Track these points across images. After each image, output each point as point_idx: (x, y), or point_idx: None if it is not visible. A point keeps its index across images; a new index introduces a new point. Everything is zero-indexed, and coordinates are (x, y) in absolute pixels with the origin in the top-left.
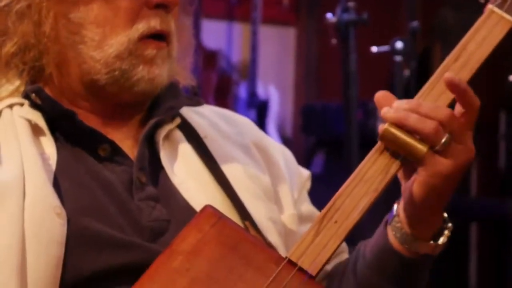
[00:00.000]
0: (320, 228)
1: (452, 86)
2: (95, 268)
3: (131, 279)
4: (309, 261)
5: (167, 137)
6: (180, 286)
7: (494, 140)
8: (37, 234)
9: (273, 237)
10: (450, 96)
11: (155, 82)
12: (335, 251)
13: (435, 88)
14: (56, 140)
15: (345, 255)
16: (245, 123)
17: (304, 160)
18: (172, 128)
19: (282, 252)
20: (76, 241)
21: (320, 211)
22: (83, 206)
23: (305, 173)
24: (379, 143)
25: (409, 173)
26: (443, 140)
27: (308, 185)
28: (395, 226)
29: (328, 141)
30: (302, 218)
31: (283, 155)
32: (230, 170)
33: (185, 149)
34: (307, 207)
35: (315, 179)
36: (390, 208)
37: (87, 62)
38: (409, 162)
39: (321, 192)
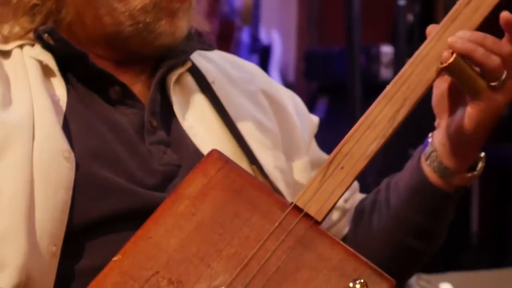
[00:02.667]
0: (327, 174)
1: (508, 25)
2: (101, 213)
3: (137, 224)
4: (315, 207)
5: (178, 81)
6: (185, 231)
7: None
8: (45, 178)
9: (280, 184)
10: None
11: (176, 35)
12: (341, 197)
13: (447, 31)
14: (66, 82)
15: (357, 195)
16: (253, 70)
17: (306, 105)
18: (183, 72)
19: (289, 200)
20: (84, 186)
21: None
22: (92, 150)
23: (315, 119)
24: (386, 90)
25: (454, 109)
26: (502, 77)
27: (315, 131)
28: (433, 160)
29: (330, 86)
30: (314, 164)
31: (293, 102)
32: (238, 117)
33: (195, 94)
34: (318, 153)
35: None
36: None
37: (111, 14)
38: (455, 95)
39: (323, 138)
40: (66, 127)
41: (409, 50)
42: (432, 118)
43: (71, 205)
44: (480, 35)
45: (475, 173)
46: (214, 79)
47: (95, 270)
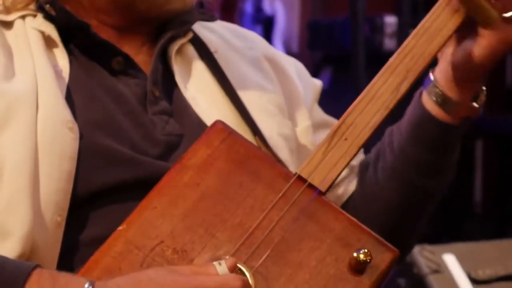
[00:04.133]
0: (331, 145)
1: None
2: (106, 183)
3: (141, 193)
4: (319, 178)
5: (180, 51)
6: (189, 201)
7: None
8: (49, 148)
9: (283, 153)
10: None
11: (187, 1)
12: (345, 168)
13: (451, 3)
14: (69, 53)
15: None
16: (255, 37)
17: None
18: (185, 42)
19: (293, 169)
20: (87, 156)
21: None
22: (95, 121)
23: (318, 83)
24: (390, 61)
25: (461, 40)
26: None
27: (318, 95)
28: (435, 92)
29: (334, 56)
30: (317, 126)
31: (295, 67)
32: (240, 86)
33: (197, 64)
34: (321, 115)
35: (321, 94)
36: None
37: None
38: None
39: (327, 108)
40: (69, 98)
41: (413, 21)
42: None
43: (75, 175)
44: None
45: (478, 103)
46: (216, 48)
47: (100, 240)
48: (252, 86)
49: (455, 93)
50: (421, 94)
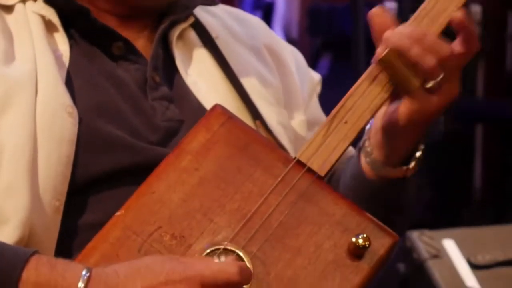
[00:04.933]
0: (330, 129)
1: (461, 25)
2: (105, 168)
3: (140, 179)
4: (318, 162)
5: (181, 36)
6: (188, 186)
7: (501, 41)
8: (48, 132)
9: (283, 140)
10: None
11: None
12: (344, 152)
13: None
14: (69, 37)
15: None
16: (257, 24)
17: (310, 62)
18: (186, 27)
19: (292, 156)
20: (87, 141)
21: (327, 114)
22: (95, 106)
23: (316, 77)
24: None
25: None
26: (438, 79)
27: (318, 89)
28: (366, 151)
29: (334, 42)
30: (310, 124)
31: (295, 59)
32: (241, 72)
33: (198, 49)
34: (317, 113)
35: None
36: None
37: None
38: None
39: (327, 94)
40: (69, 83)
41: (413, 6)
42: None
43: (74, 160)
44: (420, 32)
45: (410, 167)
46: (217, 34)
47: (98, 225)
48: (253, 74)
49: (380, 154)
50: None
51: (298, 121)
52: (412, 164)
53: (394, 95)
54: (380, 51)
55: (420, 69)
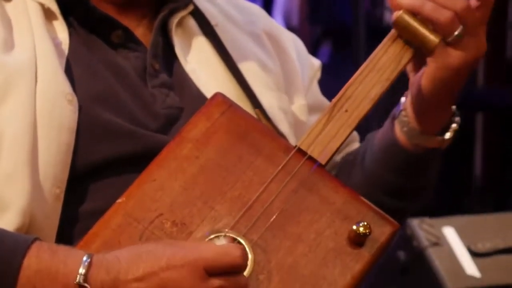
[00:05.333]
0: (331, 117)
1: None
2: (105, 156)
3: (140, 166)
4: (319, 150)
5: (180, 24)
6: (189, 174)
7: (502, 29)
8: (48, 120)
9: (283, 126)
10: None
11: None
12: (345, 140)
13: None
14: (69, 25)
15: (355, 145)
16: (256, 11)
17: (310, 50)
18: (185, 15)
19: (293, 142)
20: (87, 129)
21: (328, 101)
22: (95, 94)
23: (316, 63)
24: (392, 31)
25: (418, 66)
26: (456, 32)
27: (318, 75)
28: (402, 120)
29: (334, 30)
30: (312, 108)
31: (295, 45)
32: (241, 59)
33: (198, 37)
34: (317, 97)
35: (321, 69)
36: (396, 101)
37: None
38: (421, 53)
39: (327, 82)
40: (68, 71)
41: None
42: None
43: (74, 147)
44: None
45: (446, 137)
46: (217, 21)
47: (99, 213)
48: (252, 60)
49: (417, 123)
50: (395, 115)
51: (298, 106)
52: (448, 135)
53: (418, 63)
54: (395, 15)
55: (436, 25)
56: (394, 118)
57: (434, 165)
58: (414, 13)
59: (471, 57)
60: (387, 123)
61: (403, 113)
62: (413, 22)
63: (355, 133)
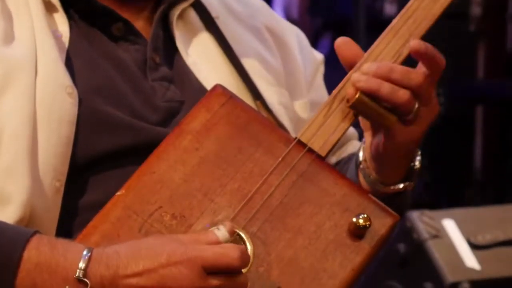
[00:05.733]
0: (331, 109)
1: (419, 54)
2: (105, 148)
3: (140, 159)
4: (319, 142)
5: (181, 16)
6: (188, 165)
7: (502, 21)
8: (48, 113)
9: (284, 120)
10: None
11: None
12: (345, 132)
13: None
14: (69, 18)
15: (353, 143)
16: (258, 4)
17: (311, 42)
18: (186, 7)
19: (293, 136)
20: (87, 121)
21: (328, 94)
22: (95, 87)
23: (319, 57)
24: (392, 23)
25: (375, 129)
26: (414, 109)
27: (321, 69)
28: (363, 171)
29: (335, 22)
30: (315, 104)
31: (297, 40)
32: (242, 52)
33: (199, 29)
34: (321, 92)
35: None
36: None
37: None
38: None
39: (327, 74)
40: (68, 63)
41: None
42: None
43: (74, 140)
44: (386, 68)
45: (405, 185)
46: (218, 14)
47: (99, 205)
48: (253, 54)
49: (381, 176)
50: (357, 160)
51: (299, 103)
52: (412, 180)
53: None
54: (351, 94)
55: (394, 106)
56: (357, 165)
57: (403, 202)
58: (371, 95)
59: (427, 124)
60: (352, 165)
61: (363, 163)
62: (370, 103)
63: (354, 131)
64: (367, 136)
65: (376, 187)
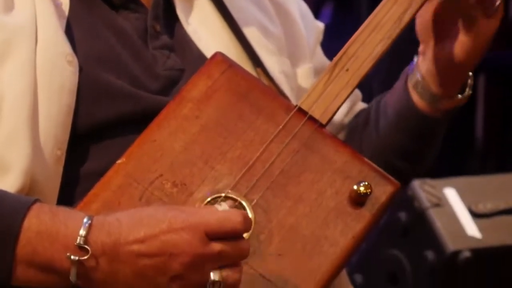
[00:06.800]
0: (332, 76)
1: None
2: (106, 117)
3: (141, 127)
4: (320, 110)
5: None
6: (189, 133)
7: None
8: (49, 81)
9: (285, 88)
10: None
11: None
12: (346, 99)
13: None
14: None
15: (359, 105)
16: None
17: (312, 11)
18: None
19: (293, 104)
20: (87, 90)
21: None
22: (95, 55)
23: (320, 25)
24: None
25: (440, 35)
26: (497, 3)
27: (320, 37)
28: (421, 88)
29: None
30: (317, 71)
31: (299, 8)
32: (243, 21)
33: None
34: (322, 59)
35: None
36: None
37: None
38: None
39: (329, 44)
40: (69, 32)
41: None
42: None
43: (75, 108)
44: None
45: (464, 95)
46: None
47: (100, 174)
48: (254, 22)
49: (440, 89)
50: (407, 77)
51: (303, 69)
52: (467, 92)
53: (438, 38)
54: None
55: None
56: (406, 85)
57: (445, 127)
58: None
59: (499, 20)
60: (400, 87)
61: (419, 79)
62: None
63: (358, 92)
64: (428, 49)
65: (437, 102)
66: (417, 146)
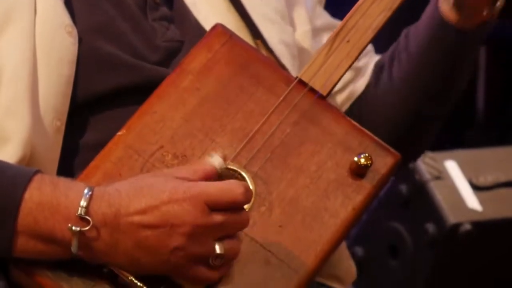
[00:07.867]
0: (332, 48)
1: None
2: (106, 88)
3: (141, 98)
4: (321, 82)
5: None
6: (189, 105)
7: None
8: (48, 52)
9: (285, 59)
10: None
11: None
12: (346, 70)
13: None
14: None
15: (374, 56)
16: None
17: None
18: None
19: (295, 74)
20: (87, 61)
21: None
22: (95, 26)
23: None
24: None
25: None
26: None
27: (323, 0)
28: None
29: None
30: (318, 31)
31: None
32: None
33: None
34: (323, 19)
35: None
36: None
37: None
38: None
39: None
40: (68, 2)
41: None
42: None
43: (75, 79)
44: None
45: (497, 5)
46: None
47: (100, 145)
48: None
49: None
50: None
51: (301, 31)
52: (500, 3)
53: None
54: None
55: None
56: (437, 2)
57: (479, 43)
58: None
59: None
60: (428, 11)
61: None
62: None
63: (370, 47)
64: None
65: (464, 12)
66: (451, 63)
